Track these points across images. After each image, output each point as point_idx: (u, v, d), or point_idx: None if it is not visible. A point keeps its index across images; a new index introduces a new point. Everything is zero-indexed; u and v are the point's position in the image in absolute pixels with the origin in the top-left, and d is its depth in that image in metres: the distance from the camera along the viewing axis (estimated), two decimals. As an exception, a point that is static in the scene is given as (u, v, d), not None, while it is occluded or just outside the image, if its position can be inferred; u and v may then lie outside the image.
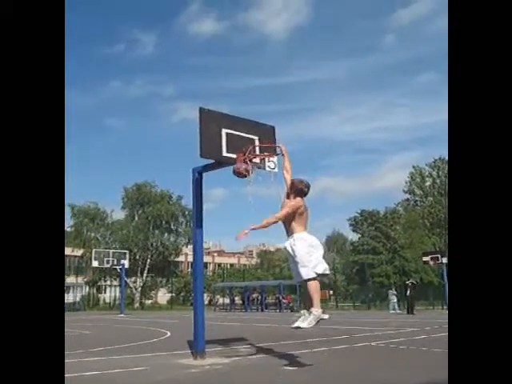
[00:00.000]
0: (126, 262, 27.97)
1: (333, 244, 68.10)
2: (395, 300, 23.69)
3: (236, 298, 35.31)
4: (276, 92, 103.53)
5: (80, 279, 41.23)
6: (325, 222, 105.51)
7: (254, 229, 4.80)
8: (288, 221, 5.06)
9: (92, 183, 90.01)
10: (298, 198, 5.17)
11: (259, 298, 31.09)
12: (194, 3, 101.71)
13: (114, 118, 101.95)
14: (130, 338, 9.39)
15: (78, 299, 37.38)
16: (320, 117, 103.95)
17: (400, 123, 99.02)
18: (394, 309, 23.27)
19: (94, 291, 42.80)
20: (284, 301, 28.80)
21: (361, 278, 43.06)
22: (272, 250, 60.58)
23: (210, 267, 60.08)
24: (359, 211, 49.00)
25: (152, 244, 39.08)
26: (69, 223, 38.21)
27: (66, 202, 36.61)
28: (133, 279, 38.56)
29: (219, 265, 63.12)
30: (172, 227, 40.64)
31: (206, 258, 54.75)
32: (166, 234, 40.56)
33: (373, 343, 7.63)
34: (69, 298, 37.03)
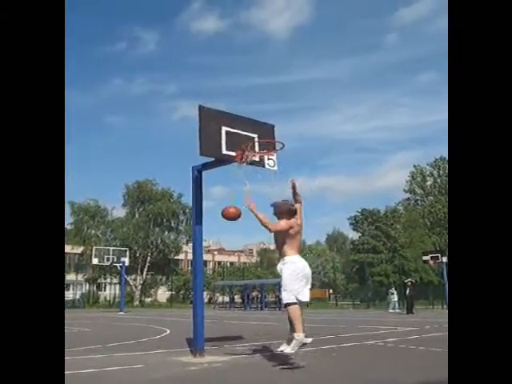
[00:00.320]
0: (126, 260, 27.98)
1: (333, 243, 68.21)
2: (395, 299, 23.71)
3: (236, 297, 35.33)
4: (277, 91, 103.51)
5: (80, 277, 41.28)
6: (325, 220, 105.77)
7: (251, 208, 4.91)
8: (280, 243, 5.06)
9: (92, 181, 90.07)
10: (293, 219, 5.12)
11: (259, 296, 31.12)
12: (196, 1, 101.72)
13: (115, 116, 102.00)
14: (130, 336, 9.40)
15: (77, 297, 37.43)
16: (321, 115, 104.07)
17: (401, 122, 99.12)
18: (393, 308, 23.29)
19: (94, 289, 42.86)
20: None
21: (360, 276, 43.12)
22: (272, 248, 60.56)
23: (210, 265, 60.15)
24: (359, 210, 49.05)
25: (152, 242, 39.12)
26: (69, 220, 38.27)
27: (67, 199, 36.70)
28: (133, 277, 38.62)
29: (219, 263, 63.21)
30: (172, 225, 40.70)
31: (206, 256, 54.79)
32: (166, 232, 40.60)
33: (371, 342, 7.63)
34: (69, 295, 37.11)
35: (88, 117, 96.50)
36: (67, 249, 37.47)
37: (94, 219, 38.99)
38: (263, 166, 6.09)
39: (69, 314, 18.62)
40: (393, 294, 24.09)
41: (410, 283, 22.87)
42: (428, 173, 51.97)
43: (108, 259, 27.62)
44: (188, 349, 6.41)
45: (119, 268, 28.21)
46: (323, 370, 4.99)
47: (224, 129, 5.95)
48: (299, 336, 4.73)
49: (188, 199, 37.48)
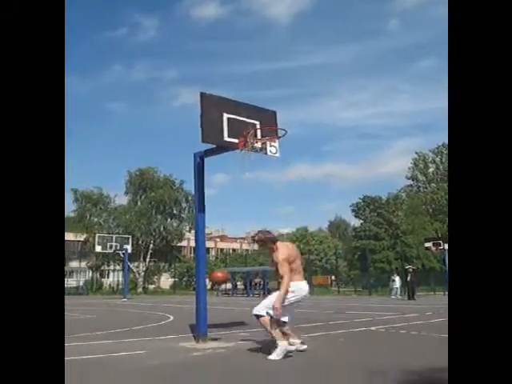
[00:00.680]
0: (128, 247, 28.12)
1: (335, 229, 68.34)
2: (397, 285, 23.81)
3: (238, 283, 35.52)
4: (279, 77, 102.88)
5: (83, 264, 41.53)
6: (327, 207, 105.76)
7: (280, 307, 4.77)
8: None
9: (94, 168, 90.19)
10: (280, 246, 5.09)
11: (261, 282, 31.28)
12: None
13: (116, 103, 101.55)
14: (133, 322, 9.48)
15: (81, 284, 37.66)
16: (323, 102, 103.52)
17: (403, 109, 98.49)
18: (395, 294, 23.40)
19: (98, 276, 43.13)
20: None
21: (362, 263, 43.18)
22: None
23: (213, 252, 60.38)
24: (362, 197, 49.03)
25: (155, 229, 39.22)
26: (71, 208, 38.33)
27: (69, 187, 36.75)
28: (136, 264, 38.81)
29: (221, 250, 63.43)
30: (175, 212, 40.78)
31: (209, 244, 54.97)
32: (168, 219, 40.69)
33: (373, 328, 7.68)
34: (72, 282, 37.34)
35: (89, 103, 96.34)
36: (70, 236, 37.63)
37: (97, 207, 39.06)
38: (265, 153, 6.07)
39: (72, 301, 18.81)
40: (394, 280, 24.18)
41: (411, 270, 22.97)
42: (430, 159, 51.81)
43: (111, 246, 27.76)
44: (191, 335, 6.47)
45: (122, 255, 28.37)
46: (326, 357, 5.03)
47: (226, 115, 5.92)
48: (282, 343, 4.75)
49: (190, 186, 37.56)
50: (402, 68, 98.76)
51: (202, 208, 6.30)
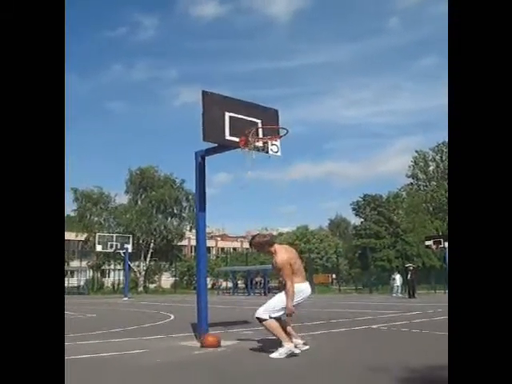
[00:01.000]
0: (129, 247, 28.13)
1: (335, 228, 68.36)
2: (397, 284, 23.82)
3: (239, 282, 35.55)
4: (280, 75, 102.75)
5: (84, 263, 41.55)
6: (328, 205, 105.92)
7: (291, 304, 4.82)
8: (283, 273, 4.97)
9: (94, 167, 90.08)
10: (278, 249, 5.08)
11: (262, 281, 31.29)
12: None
13: (116, 102, 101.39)
14: (134, 321, 9.48)
15: (82, 283, 37.68)
16: (324, 100, 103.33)
17: (404, 107, 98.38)
18: (396, 292, 23.41)
19: (98, 275, 43.15)
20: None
21: (363, 262, 43.21)
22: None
23: (213, 251, 60.41)
24: (362, 195, 49.04)
25: (155, 228, 39.22)
26: (72, 207, 38.34)
27: (69, 186, 36.74)
28: (136, 263, 38.82)
29: (222, 249, 63.47)
30: (175, 212, 40.78)
31: (209, 243, 54.99)
32: (169, 218, 40.70)
33: (374, 326, 7.69)
34: (73, 282, 37.37)
35: (89, 103, 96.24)
36: (71, 236, 37.66)
37: (97, 206, 39.06)
38: (267, 152, 6.06)
39: (74, 300, 18.82)
40: (394, 278, 24.19)
41: (411, 268, 22.96)
42: (431, 158, 51.78)
43: (111, 246, 27.78)
44: (192, 334, 6.48)
45: (123, 254, 28.38)
46: (328, 355, 5.03)
47: (227, 114, 5.91)
48: (288, 345, 4.77)
49: (191, 186, 37.51)
50: (405, 66, 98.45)
51: (202, 207, 6.30)
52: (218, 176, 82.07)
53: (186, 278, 41.92)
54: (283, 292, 4.95)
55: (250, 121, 6.05)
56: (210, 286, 35.26)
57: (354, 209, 49.86)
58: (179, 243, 43.92)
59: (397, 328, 7.47)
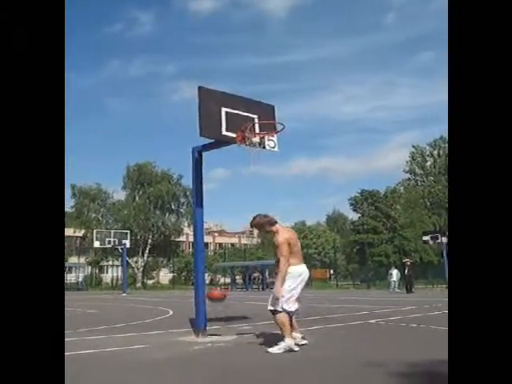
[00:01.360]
0: (127, 242, 28.14)
1: (333, 223, 68.44)
2: (394, 279, 23.87)
3: (237, 278, 35.64)
4: (277, 71, 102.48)
5: (82, 259, 41.57)
6: (326, 201, 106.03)
7: (281, 291, 4.81)
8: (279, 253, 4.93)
9: (91, 163, 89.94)
10: (279, 229, 5.09)
11: (260, 277, 31.37)
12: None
13: (114, 98, 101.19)
14: (133, 317, 9.50)
15: (80, 279, 37.72)
16: (322, 96, 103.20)
17: (402, 102, 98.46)
18: (393, 288, 23.48)
19: (97, 271, 43.20)
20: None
21: (361, 257, 43.34)
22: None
23: (211, 247, 60.49)
24: (359, 191, 49.10)
25: (153, 224, 39.23)
26: (69, 204, 38.31)
27: (67, 182, 36.67)
28: (134, 259, 38.86)
29: (220, 245, 63.54)
30: (173, 207, 40.78)
31: (207, 238, 55.05)
32: (167, 214, 40.70)
33: (372, 321, 7.72)
34: (71, 278, 37.39)
35: (86, 99, 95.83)
36: (69, 232, 37.62)
37: (95, 202, 39.03)
38: (264, 147, 6.06)
39: (72, 297, 18.82)
40: (391, 274, 24.24)
41: (408, 263, 22.98)
42: (428, 153, 51.83)
43: (109, 242, 27.78)
44: (191, 329, 6.49)
45: (121, 250, 28.38)
46: (326, 350, 5.05)
47: (224, 109, 5.90)
48: (289, 341, 4.75)
49: (188, 181, 37.47)
50: (401, 62, 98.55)
51: (200, 203, 6.30)
52: (216, 171, 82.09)
53: (184, 273, 42.02)
54: (287, 277, 4.86)
55: (247, 116, 6.04)
56: (208, 281, 35.32)
57: (351, 204, 49.93)
58: (177, 239, 43.96)
59: (394, 323, 7.50)
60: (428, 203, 47.94)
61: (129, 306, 14.53)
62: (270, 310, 4.93)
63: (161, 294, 25.50)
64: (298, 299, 5.02)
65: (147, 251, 39.77)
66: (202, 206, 6.31)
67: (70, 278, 36.39)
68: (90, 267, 42.25)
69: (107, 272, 44.77)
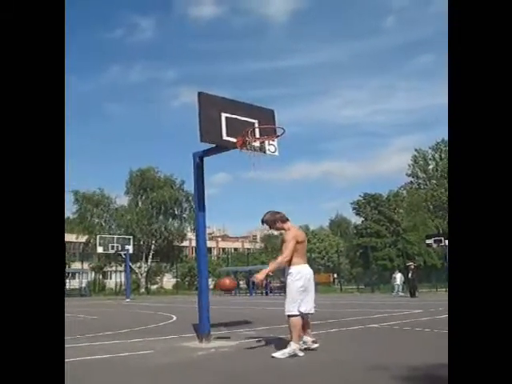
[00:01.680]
0: (130, 248, 28.11)
1: (336, 228, 68.31)
2: (398, 282, 23.76)
3: (241, 282, 35.55)
4: (277, 75, 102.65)
5: (86, 265, 41.53)
6: (328, 205, 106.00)
7: (264, 274, 4.96)
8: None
9: (93, 169, 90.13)
10: (291, 227, 5.12)
11: (264, 282, 31.26)
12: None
13: (115, 104, 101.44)
14: (136, 323, 9.49)
15: (83, 285, 37.70)
16: (322, 100, 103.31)
17: (402, 106, 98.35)
18: (397, 291, 23.37)
19: (100, 277, 43.15)
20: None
21: (364, 261, 43.22)
22: (276, 234, 60.75)
23: (214, 252, 60.44)
24: (362, 195, 49.03)
25: (156, 229, 39.22)
26: (72, 209, 38.34)
27: (69, 188, 36.73)
28: (138, 264, 38.80)
29: (223, 249, 63.50)
30: (176, 213, 40.77)
31: (210, 243, 55.01)
32: (170, 219, 40.68)
33: (375, 325, 7.69)
34: (75, 284, 37.39)
35: (87, 104, 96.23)
36: (72, 238, 37.65)
37: (98, 208, 39.06)
38: (264, 152, 6.07)
39: (76, 303, 18.83)
40: (395, 277, 24.13)
41: (412, 266, 22.85)
42: (430, 156, 51.75)
43: (112, 247, 27.76)
44: (195, 334, 6.48)
45: (124, 256, 28.36)
46: (330, 355, 5.03)
47: (224, 115, 5.93)
48: (295, 346, 4.74)
49: (191, 186, 37.49)
50: (401, 65, 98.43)
51: (202, 207, 6.31)
52: (218, 176, 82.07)
53: (187, 278, 41.94)
54: (291, 279, 4.87)
55: (247, 121, 6.07)
56: (211, 286, 35.27)
57: (354, 208, 49.88)
58: (180, 244, 43.93)
59: (399, 327, 7.47)
60: (431, 206, 47.83)
61: (133, 311, 14.51)
62: (288, 315, 4.87)
63: (164, 299, 25.47)
64: (312, 299, 5.01)
65: (150, 256, 39.74)
66: (204, 210, 6.32)
67: (73, 283, 36.40)
68: (93, 273, 42.22)
69: (111, 278, 44.75)
